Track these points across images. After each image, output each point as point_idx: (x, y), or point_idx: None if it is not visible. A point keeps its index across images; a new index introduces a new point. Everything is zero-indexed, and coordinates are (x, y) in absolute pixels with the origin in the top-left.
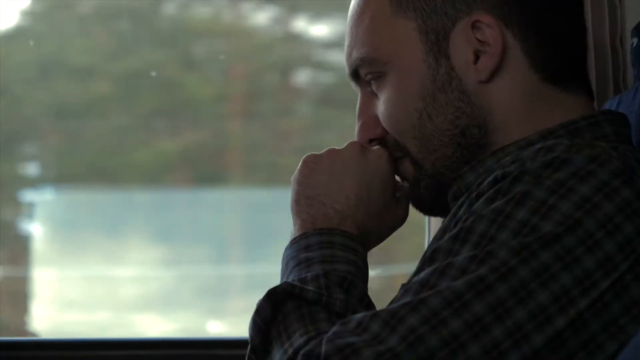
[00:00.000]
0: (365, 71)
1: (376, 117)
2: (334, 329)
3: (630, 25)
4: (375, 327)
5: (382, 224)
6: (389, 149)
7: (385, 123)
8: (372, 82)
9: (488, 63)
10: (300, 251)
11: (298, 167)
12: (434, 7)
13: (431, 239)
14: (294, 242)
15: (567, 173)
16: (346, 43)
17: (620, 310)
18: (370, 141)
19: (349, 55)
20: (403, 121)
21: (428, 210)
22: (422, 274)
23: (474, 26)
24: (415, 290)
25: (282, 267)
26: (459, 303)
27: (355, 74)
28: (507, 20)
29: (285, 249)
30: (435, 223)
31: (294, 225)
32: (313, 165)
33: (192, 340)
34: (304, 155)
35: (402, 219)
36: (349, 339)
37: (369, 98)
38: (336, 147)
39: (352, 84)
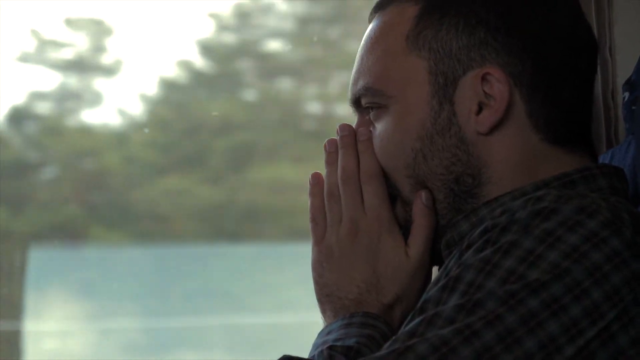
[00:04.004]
0: (367, 100)
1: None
2: None
3: (621, 79)
4: None
5: (400, 280)
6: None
7: (380, 156)
8: (371, 110)
9: (490, 117)
10: (322, 337)
11: (312, 266)
12: (448, 52)
13: None
14: (320, 332)
15: (555, 222)
16: (354, 68)
17: (607, 359)
18: None
19: (355, 82)
20: (398, 158)
21: None
22: (411, 324)
23: (484, 78)
24: (402, 339)
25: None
26: (446, 349)
27: (356, 102)
28: (518, 79)
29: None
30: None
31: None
32: (324, 265)
33: None
34: (311, 255)
35: (418, 260)
36: None
37: (366, 126)
38: (335, 233)
39: (352, 109)
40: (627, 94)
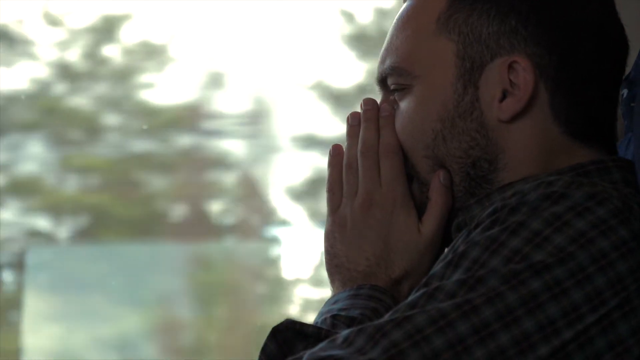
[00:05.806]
0: (393, 81)
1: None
2: (321, 345)
3: None
4: (360, 341)
5: (410, 256)
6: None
7: (400, 135)
8: (396, 91)
9: (512, 105)
10: (328, 306)
11: (324, 235)
12: (478, 37)
13: None
14: (327, 300)
15: (564, 207)
16: (384, 47)
17: (605, 346)
18: None
19: (383, 60)
20: (417, 138)
21: None
22: (413, 296)
23: (511, 66)
24: (403, 310)
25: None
26: (443, 322)
27: (383, 81)
28: (544, 71)
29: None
30: None
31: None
32: (336, 235)
33: None
34: (325, 225)
35: (430, 238)
36: (333, 351)
37: (390, 103)
38: (350, 205)
39: (377, 88)
40: (625, 91)
